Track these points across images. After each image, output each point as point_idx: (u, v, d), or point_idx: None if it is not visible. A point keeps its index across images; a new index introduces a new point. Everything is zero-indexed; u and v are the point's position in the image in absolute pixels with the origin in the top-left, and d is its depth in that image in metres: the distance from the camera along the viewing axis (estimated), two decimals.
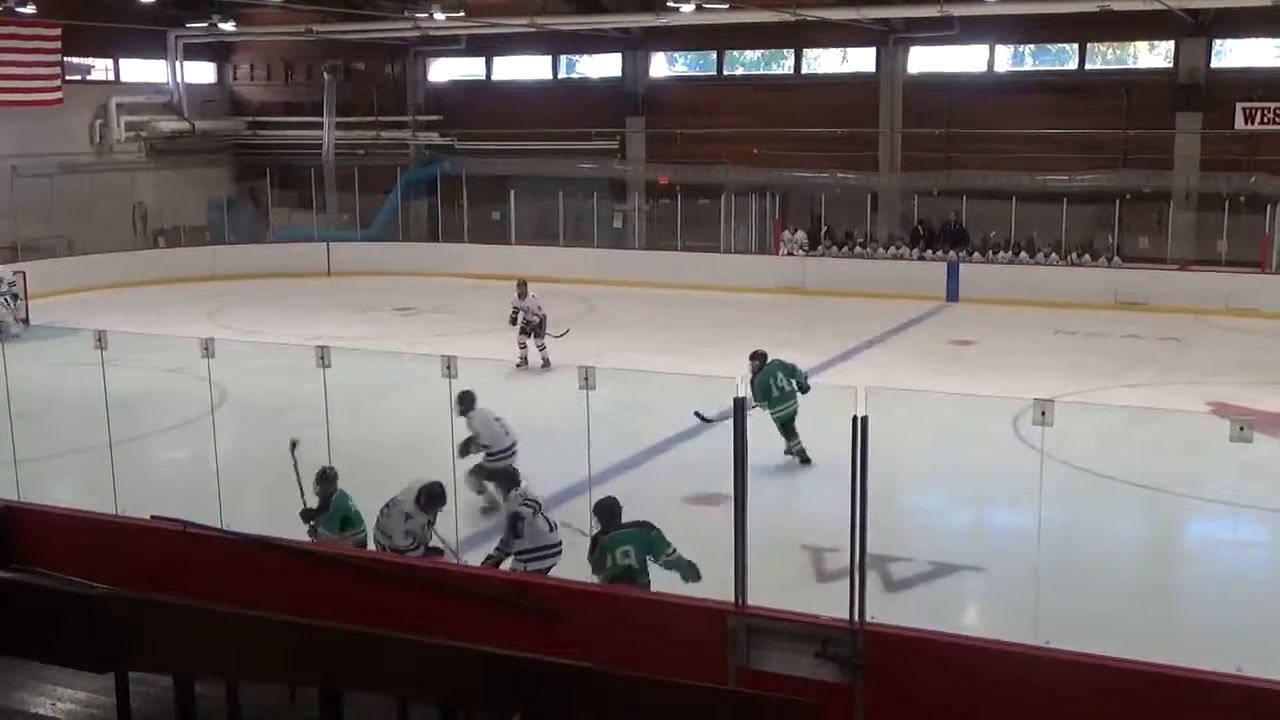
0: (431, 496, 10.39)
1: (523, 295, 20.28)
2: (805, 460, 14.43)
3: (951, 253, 28.42)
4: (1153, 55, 29.72)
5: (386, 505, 10.56)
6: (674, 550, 9.49)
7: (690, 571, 9.39)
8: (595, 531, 9.74)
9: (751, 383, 14.45)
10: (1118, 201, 27.82)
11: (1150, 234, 28.42)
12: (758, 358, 14.93)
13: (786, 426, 14.55)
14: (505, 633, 8.09)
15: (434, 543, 10.62)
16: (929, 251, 28.91)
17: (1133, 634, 9.61)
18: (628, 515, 11.67)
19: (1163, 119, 28.22)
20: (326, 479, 10.70)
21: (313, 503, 10.84)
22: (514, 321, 20.14)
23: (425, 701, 4.68)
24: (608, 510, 9.75)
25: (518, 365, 20.04)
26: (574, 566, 9.74)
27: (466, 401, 12.60)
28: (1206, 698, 7.29)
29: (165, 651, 4.23)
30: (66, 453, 14.46)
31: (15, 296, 23.92)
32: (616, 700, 4.46)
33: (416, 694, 4.67)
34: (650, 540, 9.53)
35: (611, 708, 4.45)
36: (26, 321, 23.73)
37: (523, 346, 20.18)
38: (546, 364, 19.91)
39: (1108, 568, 11.81)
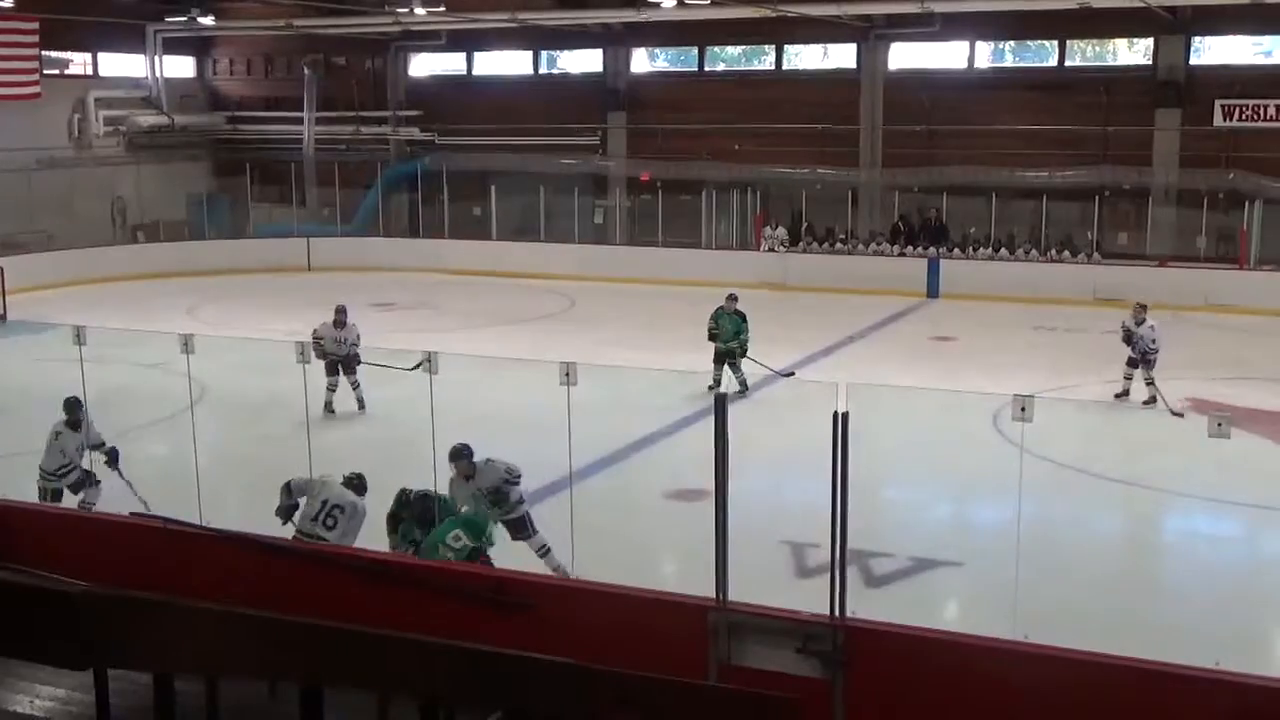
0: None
1: (340, 324, 17.15)
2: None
3: (931, 249, 28.48)
4: (1132, 52, 29.85)
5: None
6: (492, 525, 10.15)
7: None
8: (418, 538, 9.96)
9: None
10: (1097, 198, 27.94)
11: (1130, 230, 28.56)
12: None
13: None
14: (486, 629, 8.09)
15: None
16: (909, 248, 28.97)
17: (1111, 628, 9.66)
18: (609, 512, 11.69)
19: (1142, 116, 28.34)
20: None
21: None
22: (322, 357, 16.39)
23: (406, 697, 4.67)
24: (422, 515, 10.08)
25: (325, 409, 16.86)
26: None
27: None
28: (1185, 692, 7.33)
29: (145, 648, 4.22)
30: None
31: None
32: (598, 696, 4.46)
33: (397, 690, 4.66)
34: (471, 522, 9.98)
35: (593, 704, 4.46)
36: (3, 317, 23.57)
37: (332, 389, 16.89)
38: (361, 405, 17.01)
39: (1087, 562, 11.87)
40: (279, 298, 27.78)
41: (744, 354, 17.72)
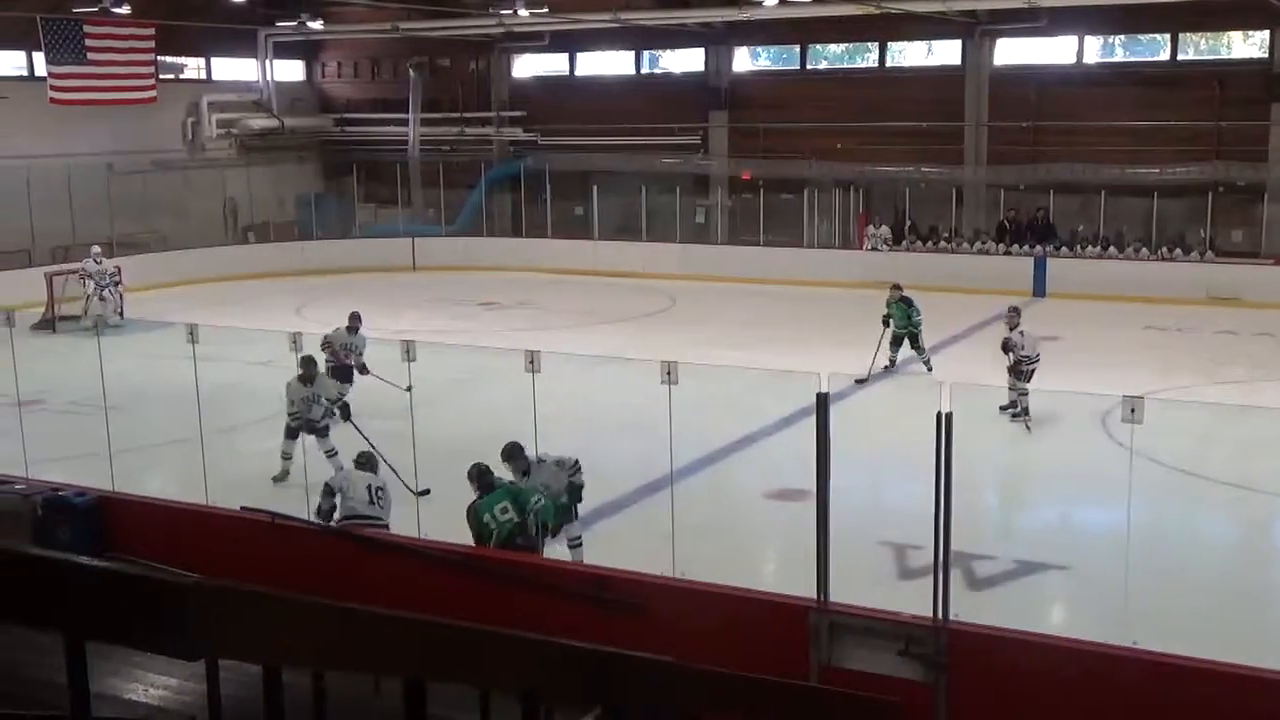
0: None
1: (353, 330, 17.02)
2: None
3: (1039, 247, 28.01)
4: (1247, 45, 29.09)
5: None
6: (539, 499, 10.17)
7: (561, 515, 10.32)
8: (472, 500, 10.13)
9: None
10: (1210, 195, 27.27)
11: (1244, 227, 27.84)
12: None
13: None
14: (587, 626, 8.13)
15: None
16: (1015, 246, 28.54)
17: (1223, 635, 9.43)
18: (710, 511, 11.69)
19: (1257, 110, 27.60)
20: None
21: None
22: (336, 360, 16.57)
23: (507, 692, 4.71)
24: (479, 476, 10.30)
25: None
26: (654, 561, 9.74)
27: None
28: None
29: (255, 640, 4.30)
30: (159, 444, 14.76)
31: (117, 284, 24.39)
32: (697, 695, 4.46)
33: (498, 686, 4.71)
34: (518, 493, 10.11)
35: (692, 702, 4.46)
36: (121, 314, 24.17)
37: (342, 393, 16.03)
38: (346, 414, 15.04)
39: (1197, 568, 11.61)
40: (385, 297, 28.16)
41: (916, 336, 19.29)
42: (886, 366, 18.96)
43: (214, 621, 4.04)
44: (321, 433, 14.04)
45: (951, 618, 7.33)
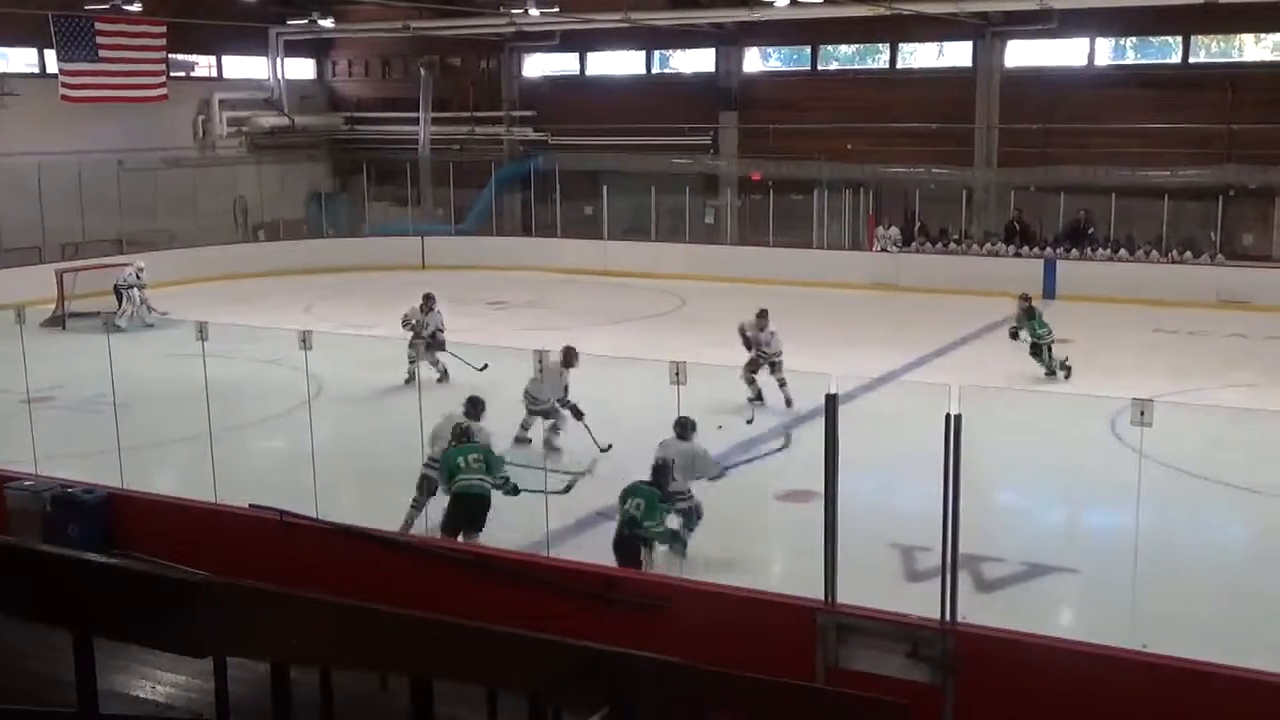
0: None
1: (427, 310, 18.88)
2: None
3: (1074, 250, 27.93)
4: (1259, 48, 29.02)
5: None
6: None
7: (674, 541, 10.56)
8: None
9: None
10: (1221, 198, 27.19)
11: (1255, 231, 27.76)
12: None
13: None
14: (594, 626, 8.13)
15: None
16: (1025, 248, 28.48)
17: (1233, 640, 9.40)
18: (719, 512, 11.69)
19: (1270, 113, 27.49)
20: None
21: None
22: (415, 334, 18.36)
23: (514, 692, 4.72)
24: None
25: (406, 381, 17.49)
26: (661, 562, 9.74)
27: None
28: None
29: (263, 638, 4.31)
30: (168, 442, 14.78)
31: (142, 287, 24.45)
32: (704, 695, 4.46)
33: (505, 685, 4.71)
34: (651, 495, 10.36)
35: (699, 703, 4.46)
36: (150, 309, 24.19)
37: (413, 360, 17.69)
38: (443, 376, 18.33)
39: (1206, 571, 11.57)
40: (394, 295, 28.17)
41: (1049, 345, 18.97)
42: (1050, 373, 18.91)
43: (221, 619, 4.05)
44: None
45: (959, 620, 7.31)
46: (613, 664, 4.43)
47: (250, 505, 10.62)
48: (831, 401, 7.60)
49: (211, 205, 33.01)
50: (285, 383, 14.54)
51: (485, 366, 17.12)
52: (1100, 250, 27.82)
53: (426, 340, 18.17)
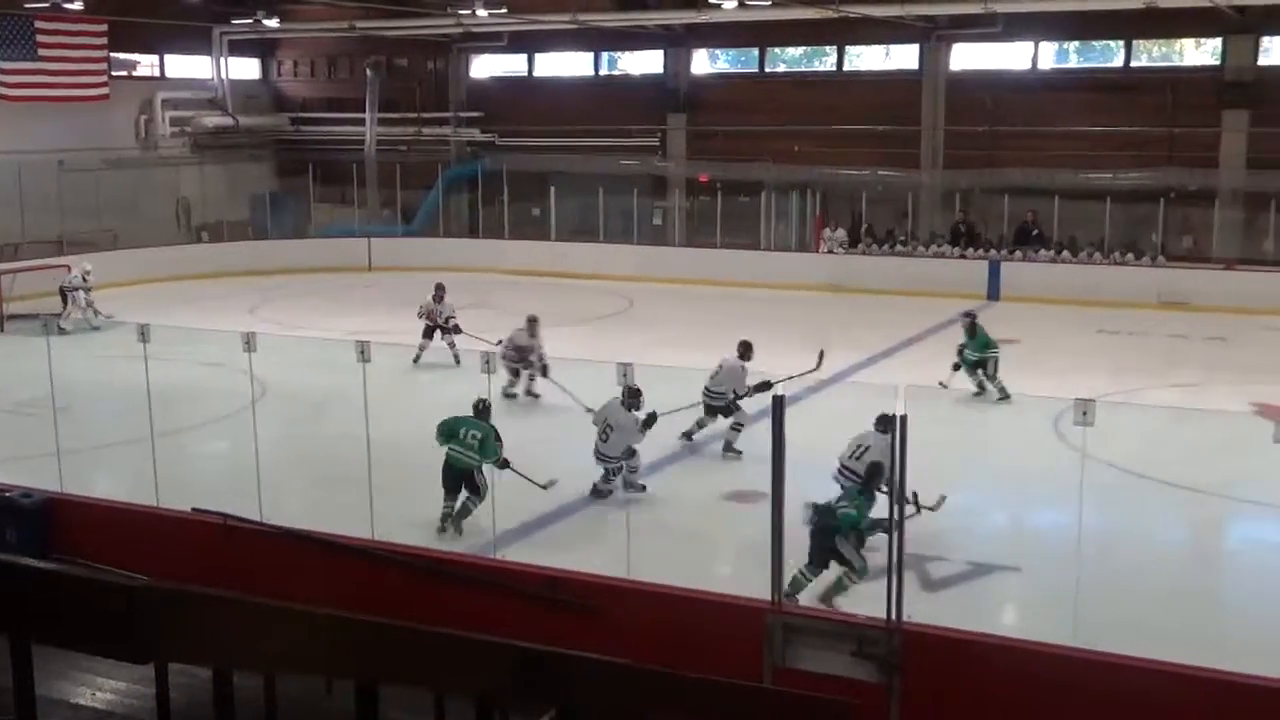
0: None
1: (439, 299, 20.48)
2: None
3: (1017, 252, 28.16)
4: (1199, 52, 29.42)
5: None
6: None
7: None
8: None
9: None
10: (1162, 200, 27.54)
11: (1195, 233, 28.14)
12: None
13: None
14: (541, 627, 8.11)
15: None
16: (970, 250, 28.73)
17: (1173, 636, 9.53)
18: (666, 512, 11.69)
19: (1209, 117, 27.91)
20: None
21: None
22: (430, 323, 20.23)
23: (460, 695, 4.69)
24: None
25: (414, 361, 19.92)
26: (609, 563, 9.74)
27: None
28: (1248, 702, 7.22)
29: (204, 643, 4.26)
30: (108, 445, 14.61)
31: (88, 290, 24.11)
32: (651, 697, 4.45)
33: (452, 688, 4.68)
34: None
35: (646, 704, 4.45)
36: (96, 312, 23.86)
37: (422, 349, 20.08)
38: (458, 361, 19.69)
39: (1148, 569, 11.71)
40: (340, 297, 28.04)
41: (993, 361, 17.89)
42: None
43: (162, 624, 3.99)
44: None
45: (905, 619, 7.36)
46: (559, 665, 4.41)
47: (193, 509, 10.53)
48: (778, 403, 7.62)
49: (154, 206, 32.68)
50: (229, 385, 14.44)
51: (500, 342, 18.28)
52: (1044, 252, 28.10)
53: (440, 325, 20.12)
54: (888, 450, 11.14)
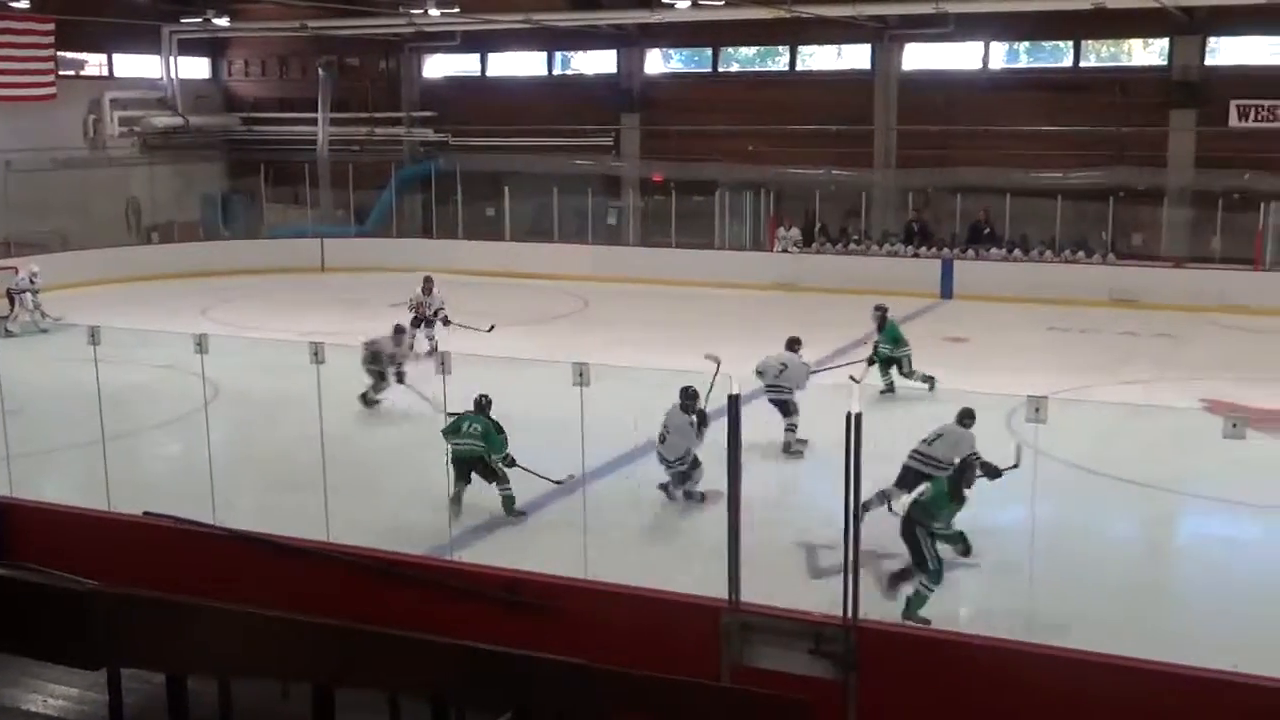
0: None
1: (428, 291, 21.34)
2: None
3: (969, 251, 28.35)
4: (1147, 53, 29.73)
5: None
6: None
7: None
8: None
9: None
10: (1112, 199, 27.82)
11: (1144, 231, 28.45)
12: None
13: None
14: (499, 629, 8.09)
15: None
16: (924, 248, 28.91)
17: (1126, 630, 9.62)
18: (623, 512, 11.68)
19: (1157, 116, 28.22)
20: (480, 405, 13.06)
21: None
22: (417, 315, 20.96)
23: (416, 698, 4.67)
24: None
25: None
26: (566, 563, 9.72)
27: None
28: (1200, 694, 7.30)
29: (157, 648, 4.22)
30: (59, 448, 14.45)
31: (36, 292, 23.81)
32: (609, 697, 4.45)
33: (408, 690, 4.66)
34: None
35: (604, 705, 4.45)
36: (44, 314, 23.56)
37: (411, 338, 19.89)
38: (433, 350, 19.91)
39: (1101, 564, 11.82)
40: (293, 298, 27.84)
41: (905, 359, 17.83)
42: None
43: (115, 629, 3.95)
44: None
45: (862, 616, 7.38)
46: (516, 666, 4.40)
47: (145, 513, 10.42)
48: (734, 402, 7.63)
49: (103, 207, 32.34)
50: (181, 388, 14.29)
51: (492, 328, 20.20)
52: (996, 250, 28.32)
53: (429, 318, 20.90)
54: (971, 444, 11.57)
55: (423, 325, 20.81)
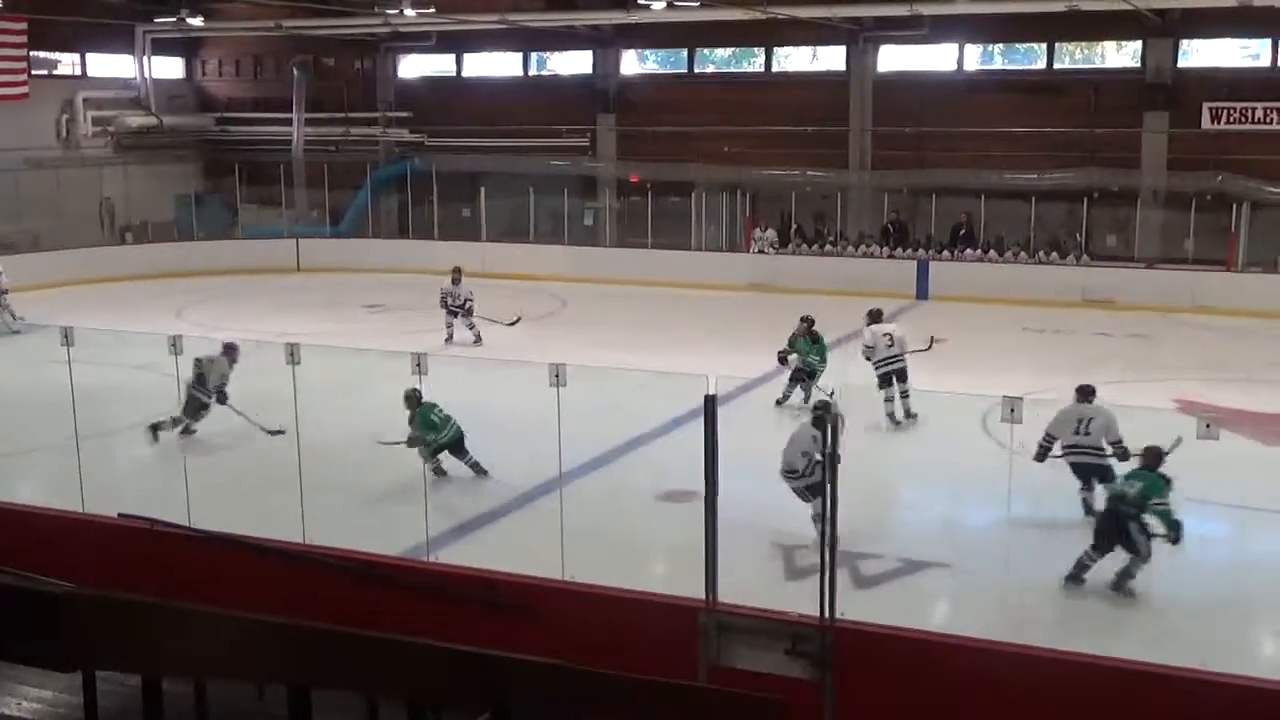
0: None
1: (456, 282, 22.22)
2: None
3: (945, 252, 28.44)
4: (1120, 55, 29.90)
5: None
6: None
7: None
8: None
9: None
10: (1085, 200, 27.97)
11: (1118, 232, 28.61)
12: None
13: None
14: (476, 629, 8.09)
15: None
16: (899, 250, 29.00)
17: (1099, 629, 9.68)
18: (600, 513, 11.67)
19: (1130, 118, 28.39)
20: (411, 397, 13.35)
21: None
22: (444, 305, 22.18)
23: (393, 699, 4.67)
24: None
25: (446, 340, 21.91)
26: (543, 564, 9.72)
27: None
28: (1171, 692, 7.35)
29: (132, 650, 4.21)
30: (32, 450, 14.36)
31: (5, 291, 23.59)
32: (586, 698, 4.46)
33: (385, 692, 4.66)
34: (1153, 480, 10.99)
35: (581, 705, 4.45)
36: (13, 315, 23.36)
37: (449, 327, 22.14)
38: (478, 339, 21.92)
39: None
40: (268, 299, 27.74)
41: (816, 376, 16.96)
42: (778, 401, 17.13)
43: (89, 631, 3.94)
44: None
45: (838, 616, 7.42)
46: (492, 667, 4.40)
47: (120, 514, 10.38)
48: (710, 402, 7.66)
49: (77, 207, 32.09)
50: (156, 389, 14.21)
51: (517, 320, 21.98)
52: (971, 251, 28.43)
53: (457, 309, 21.92)
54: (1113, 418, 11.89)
55: (458, 316, 21.92)
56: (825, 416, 11.03)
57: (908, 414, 15.99)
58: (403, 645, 4.43)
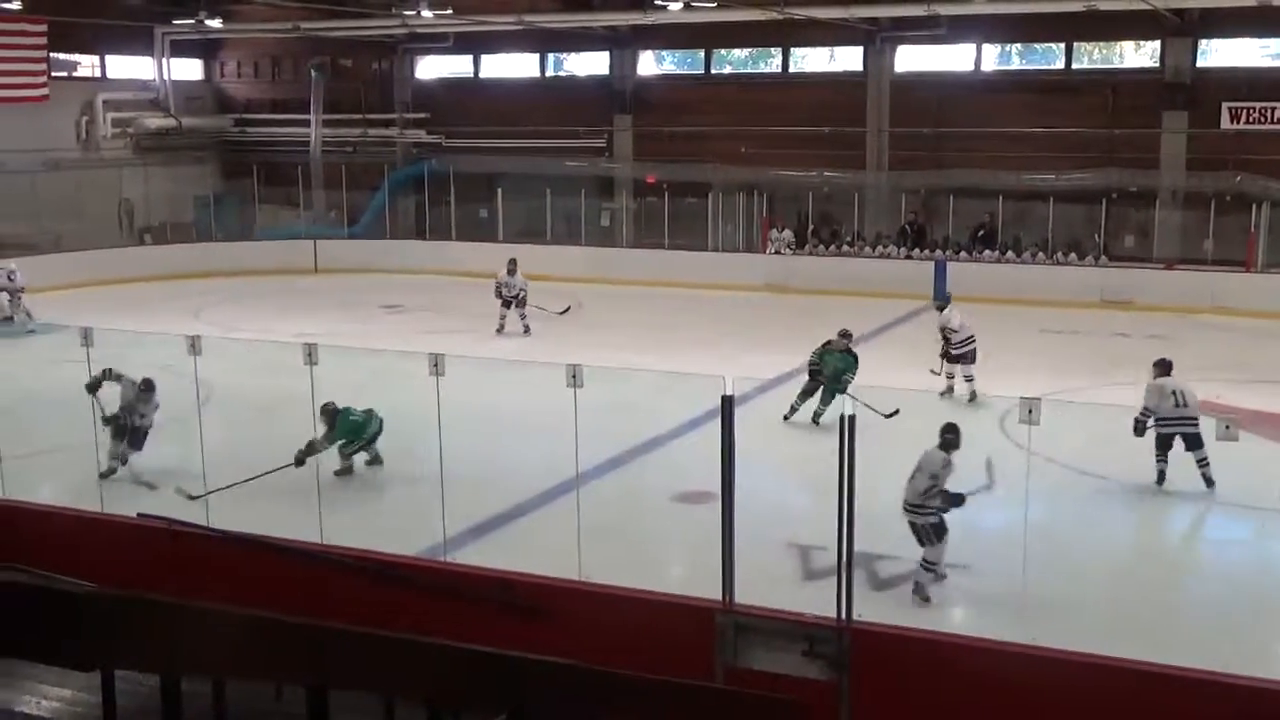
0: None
1: (511, 273, 22.92)
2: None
3: (963, 253, 28.39)
4: (1139, 55, 29.79)
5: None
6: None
7: None
8: None
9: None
10: (1104, 201, 27.86)
11: (1136, 233, 28.50)
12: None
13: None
14: (493, 630, 8.09)
15: None
16: (916, 250, 28.92)
17: (1119, 631, 9.64)
18: (616, 514, 11.67)
19: (1149, 118, 28.28)
20: (327, 411, 13.62)
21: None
22: (499, 295, 22.91)
23: (411, 700, 4.67)
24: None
25: (498, 330, 22.86)
26: (560, 564, 9.72)
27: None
28: (1193, 695, 7.32)
29: (151, 650, 4.22)
30: (52, 450, 14.41)
31: (21, 290, 23.70)
32: (603, 698, 4.46)
33: (402, 692, 4.67)
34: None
35: (598, 706, 4.46)
36: (29, 314, 23.48)
37: (502, 318, 22.91)
38: (527, 330, 22.82)
39: (1094, 565, 11.84)
40: (286, 300, 27.81)
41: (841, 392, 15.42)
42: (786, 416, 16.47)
43: (109, 631, 3.96)
44: None
45: (855, 618, 7.40)
46: (509, 667, 4.41)
47: (139, 514, 10.42)
48: (727, 403, 7.65)
49: (96, 208, 32.22)
50: (174, 389, 14.23)
51: (567, 309, 23.16)
52: (989, 252, 28.35)
53: (511, 299, 22.68)
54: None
55: (511, 306, 22.65)
56: (955, 440, 11.06)
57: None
58: (420, 646, 4.44)
